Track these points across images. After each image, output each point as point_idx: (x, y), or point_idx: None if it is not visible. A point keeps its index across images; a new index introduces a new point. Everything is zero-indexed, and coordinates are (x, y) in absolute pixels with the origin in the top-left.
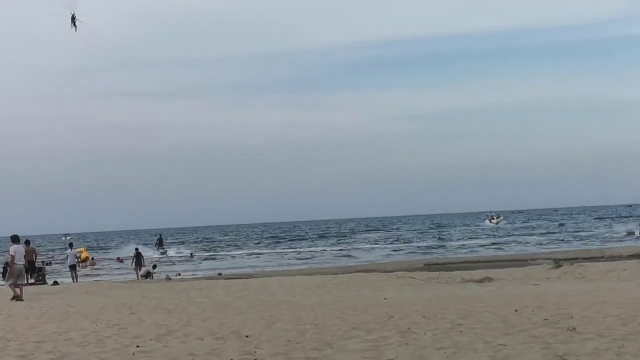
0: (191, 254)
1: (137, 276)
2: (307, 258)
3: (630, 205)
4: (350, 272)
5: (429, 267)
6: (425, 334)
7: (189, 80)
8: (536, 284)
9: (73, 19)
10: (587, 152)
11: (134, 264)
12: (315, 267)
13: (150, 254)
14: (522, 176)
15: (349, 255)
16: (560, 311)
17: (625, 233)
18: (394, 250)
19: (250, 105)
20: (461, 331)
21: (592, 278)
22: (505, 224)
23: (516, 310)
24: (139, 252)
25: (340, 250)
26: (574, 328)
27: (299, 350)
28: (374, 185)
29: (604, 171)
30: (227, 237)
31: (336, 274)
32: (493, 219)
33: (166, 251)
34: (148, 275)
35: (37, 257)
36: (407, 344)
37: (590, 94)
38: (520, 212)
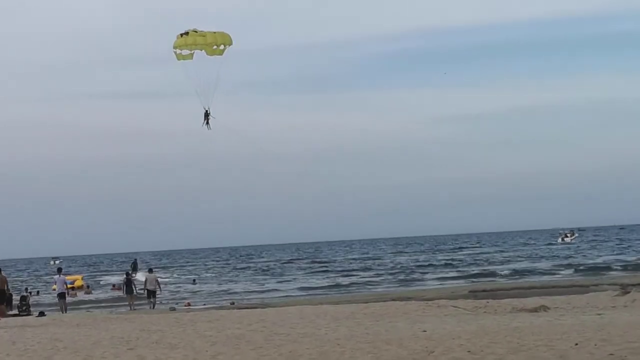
0: (194, 279)
1: (130, 306)
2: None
3: None
4: (384, 300)
5: (475, 294)
6: None
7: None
8: (600, 314)
9: (207, 115)
10: None
11: (124, 292)
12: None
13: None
14: (586, 188)
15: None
16: (628, 345)
17: None
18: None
19: (258, 106)
20: None
21: None
22: (579, 241)
23: (576, 344)
24: (129, 278)
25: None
26: None
27: None
28: (410, 200)
29: None
30: (251, 258)
31: (367, 302)
32: (567, 236)
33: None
34: (152, 295)
35: (9, 286)
36: None
37: None
38: (582, 229)
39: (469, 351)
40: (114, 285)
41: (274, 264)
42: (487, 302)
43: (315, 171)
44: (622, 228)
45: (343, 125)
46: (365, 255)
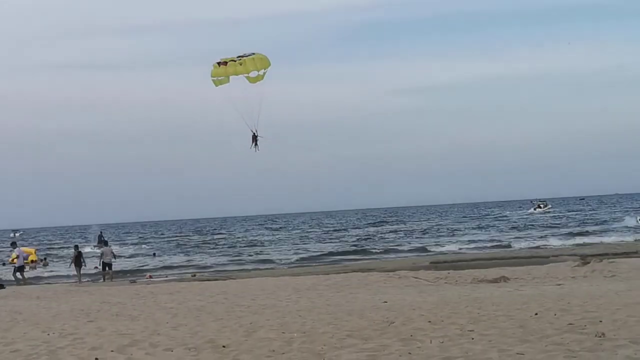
0: (154, 253)
1: (79, 279)
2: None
3: None
4: (345, 272)
5: (436, 265)
6: (431, 342)
7: (154, 49)
8: (560, 284)
9: (255, 137)
10: (632, 130)
11: (72, 264)
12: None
13: (88, 250)
14: (550, 160)
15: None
16: (587, 314)
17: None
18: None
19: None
20: (472, 338)
21: (624, 276)
22: (553, 212)
23: (536, 314)
24: (80, 251)
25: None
26: (603, 334)
27: None
28: (374, 171)
29: None
30: (209, 232)
31: (328, 273)
32: (540, 206)
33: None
34: (108, 267)
35: None
36: (410, 353)
37: (631, 63)
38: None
39: (429, 321)
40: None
41: (237, 237)
42: (448, 273)
43: (269, 144)
44: (582, 199)
45: (299, 97)
46: (331, 227)
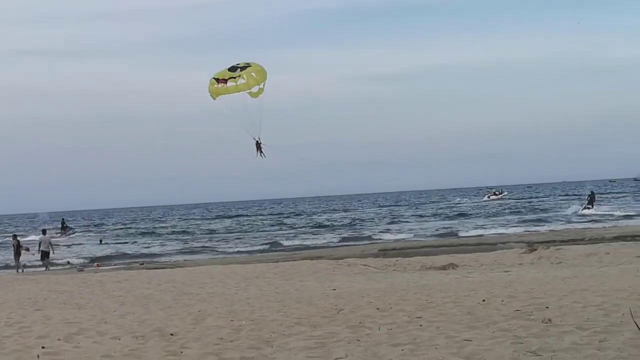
0: (101, 240)
1: (17, 268)
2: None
3: (614, 181)
4: (294, 260)
5: (385, 253)
6: (379, 329)
7: (102, 35)
8: (507, 271)
9: (258, 145)
10: (583, 120)
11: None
12: (254, 255)
13: (57, 239)
14: (504, 148)
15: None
16: (534, 301)
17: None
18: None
19: (180, 65)
20: (420, 325)
21: (570, 263)
22: (508, 199)
23: (484, 301)
24: (18, 240)
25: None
26: (550, 320)
27: (233, 350)
28: (332, 158)
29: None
30: (158, 220)
31: (277, 261)
32: (495, 194)
33: (74, 232)
34: (46, 256)
35: None
36: (359, 340)
37: (586, 51)
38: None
39: (377, 308)
40: (23, 247)
41: (186, 224)
42: (397, 261)
43: (228, 132)
44: (529, 186)
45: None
46: (288, 212)
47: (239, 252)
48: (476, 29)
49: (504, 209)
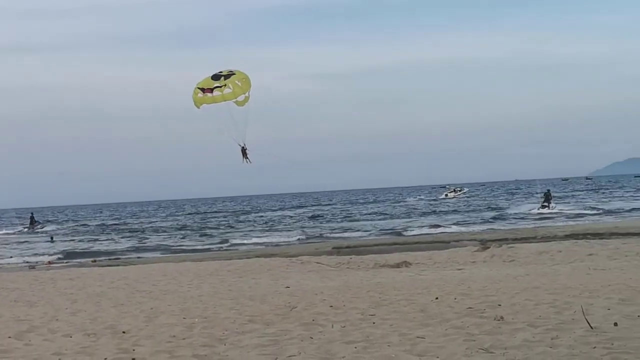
0: (52, 237)
1: None
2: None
3: (567, 179)
4: (248, 257)
5: (338, 250)
6: (332, 327)
7: (53, 32)
8: (460, 269)
9: (244, 151)
10: (535, 119)
11: None
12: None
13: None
14: (455, 147)
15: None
16: (486, 299)
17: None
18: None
19: (129, 62)
20: (374, 322)
21: (522, 261)
22: (467, 197)
23: (437, 298)
24: None
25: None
26: (502, 317)
27: (186, 347)
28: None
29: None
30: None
31: (231, 259)
32: (455, 191)
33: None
34: None
35: None
36: (312, 337)
37: (537, 50)
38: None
39: (331, 306)
40: None
41: (141, 221)
42: (350, 258)
43: (174, 130)
44: (482, 184)
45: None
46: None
47: (193, 249)
48: (426, 28)
49: (459, 207)
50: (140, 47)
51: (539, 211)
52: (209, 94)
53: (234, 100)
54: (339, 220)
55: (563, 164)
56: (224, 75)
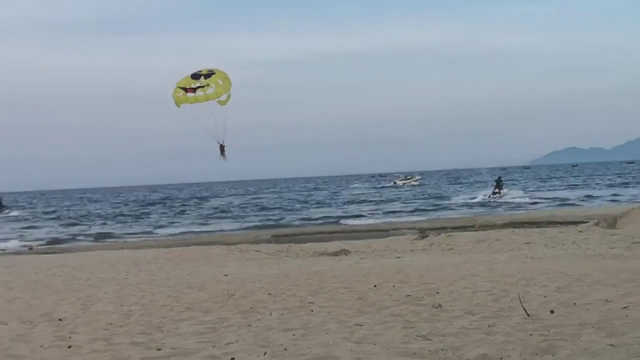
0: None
1: None
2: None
3: (505, 168)
4: (186, 245)
5: (277, 239)
6: (270, 314)
7: None
8: (399, 257)
9: (222, 148)
10: (473, 108)
11: None
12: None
13: None
14: (394, 135)
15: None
16: (425, 286)
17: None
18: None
19: (59, 48)
20: (312, 310)
21: (461, 249)
22: (418, 184)
23: (375, 286)
24: None
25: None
26: (440, 305)
27: (123, 335)
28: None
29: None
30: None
31: (169, 247)
32: (408, 178)
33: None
34: None
35: None
36: (250, 325)
37: (475, 40)
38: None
39: (269, 294)
40: None
41: (84, 208)
42: (289, 247)
43: (118, 117)
44: (421, 174)
45: (153, 69)
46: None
47: (132, 236)
48: (366, 17)
49: (406, 195)
50: (80, 33)
51: (491, 198)
52: (192, 94)
53: (217, 99)
54: (280, 208)
55: (502, 153)
56: (203, 75)
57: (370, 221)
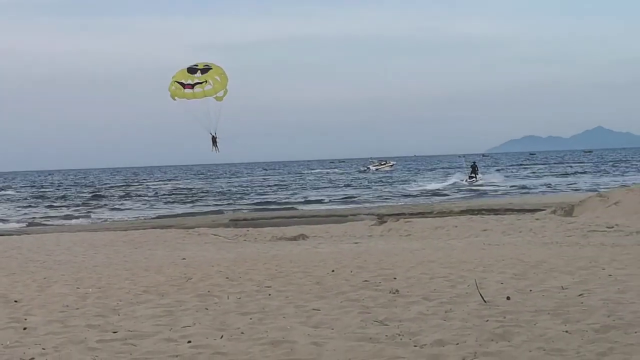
0: None
1: None
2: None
3: (463, 156)
4: (144, 228)
5: (236, 223)
6: (228, 298)
7: None
8: (357, 242)
9: (214, 140)
10: (432, 95)
11: None
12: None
13: None
14: (355, 121)
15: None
16: (382, 272)
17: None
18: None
19: (25, 29)
20: (270, 294)
21: (419, 236)
22: (392, 170)
23: (333, 271)
24: None
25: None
26: (397, 290)
27: (79, 317)
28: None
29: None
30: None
31: (126, 230)
32: (382, 163)
33: None
34: None
35: None
36: (207, 308)
37: (435, 27)
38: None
39: (227, 278)
40: None
41: (37, 191)
42: (247, 231)
43: (73, 97)
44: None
45: (110, 50)
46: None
47: (89, 219)
48: (329, 1)
49: (375, 180)
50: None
51: (466, 182)
52: (189, 90)
53: (214, 96)
54: (240, 192)
55: (460, 140)
56: (200, 69)
57: (330, 206)
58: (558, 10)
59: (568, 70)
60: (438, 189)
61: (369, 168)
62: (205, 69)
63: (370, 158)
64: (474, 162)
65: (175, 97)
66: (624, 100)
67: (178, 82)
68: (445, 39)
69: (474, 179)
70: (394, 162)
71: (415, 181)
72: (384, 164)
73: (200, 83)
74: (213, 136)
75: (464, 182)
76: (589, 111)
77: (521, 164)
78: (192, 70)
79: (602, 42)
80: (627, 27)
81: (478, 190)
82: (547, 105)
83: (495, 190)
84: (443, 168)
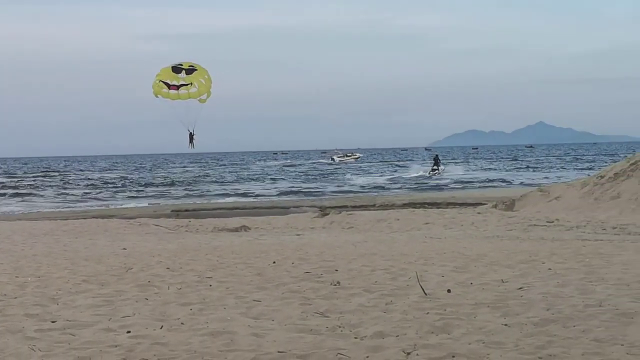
0: None
1: None
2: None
3: (407, 149)
4: (85, 218)
5: (177, 213)
6: (168, 288)
7: None
8: (299, 234)
9: (191, 137)
10: (371, 88)
11: None
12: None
13: None
14: (303, 113)
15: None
16: (324, 264)
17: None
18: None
19: None
20: (210, 285)
21: (361, 228)
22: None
23: (274, 263)
24: None
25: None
26: (339, 282)
27: (17, 307)
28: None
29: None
30: None
31: (67, 219)
32: (348, 155)
33: None
34: None
35: None
36: (147, 299)
37: (379, 20)
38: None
39: (168, 268)
40: None
41: None
42: (189, 222)
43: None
44: (324, 152)
45: (55, 37)
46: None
47: (30, 208)
48: None
49: (336, 172)
50: None
51: (429, 174)
52: (174, 91)
53: (198, 98)
54: (185, 182)
55: (403, 134)
56: (185, 69)
57: (271, 198)
58: (503, 3)
59: (513, 65)
60: (407, 179)
61: (333, 159)
62: (190, 70)
63: (336, 149)
64: (437, 155)
65: (159, 95)
66: (566, 96)
67: (163, 82)
68: (390, 30)
69: (436, 171)
70: (360, 155)
71: (368, 174)
72: (350, 156)
73: (186, 85)
74: (191, 133)
75: (428, 174)
76: (531, 107)
77: (468, 161)
78: (176, 69)
79: (546, 38)
80: (570, 23)
81: (438, 183)
82: (491, 101)
83: (437, 185)
84: (409, 160)
